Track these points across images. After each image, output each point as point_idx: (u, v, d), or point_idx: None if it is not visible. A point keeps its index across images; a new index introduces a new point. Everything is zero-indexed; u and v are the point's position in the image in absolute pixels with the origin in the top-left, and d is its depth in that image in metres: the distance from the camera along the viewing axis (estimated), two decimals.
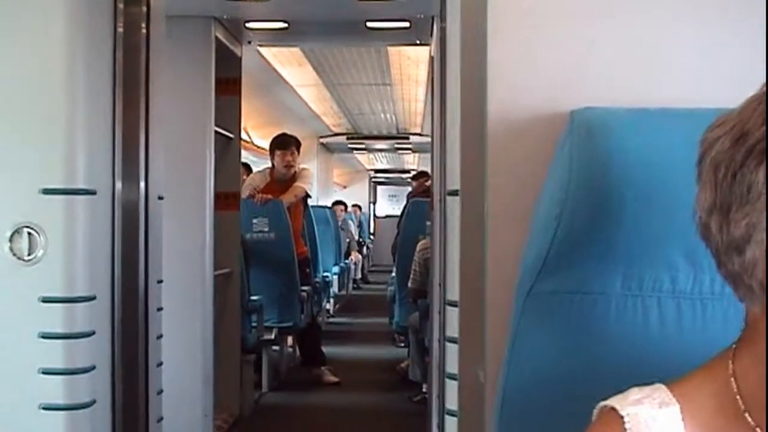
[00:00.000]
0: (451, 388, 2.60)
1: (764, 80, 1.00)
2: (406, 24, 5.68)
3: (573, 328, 1.49)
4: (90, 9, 3.24)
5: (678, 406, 1.09)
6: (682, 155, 1.11)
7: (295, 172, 7.47)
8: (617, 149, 1.42)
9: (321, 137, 15.09)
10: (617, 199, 1.41)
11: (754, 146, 0.96)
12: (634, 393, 1.12)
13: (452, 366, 2.58)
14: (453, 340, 2.52)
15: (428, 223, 5.56)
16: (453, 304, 2.58)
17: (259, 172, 7.75)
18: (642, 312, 1.47)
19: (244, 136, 7.93)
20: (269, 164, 7.59)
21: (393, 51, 8.42)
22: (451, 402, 2.57)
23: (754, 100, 0.99)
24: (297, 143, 7.49)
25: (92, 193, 3.17)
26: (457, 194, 2.28)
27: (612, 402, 1.12)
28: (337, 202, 16.02)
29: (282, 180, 7.41)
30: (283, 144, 7.43)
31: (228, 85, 6.06)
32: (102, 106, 3.33)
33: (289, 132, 7.78)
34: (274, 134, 7.76)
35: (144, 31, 3.62)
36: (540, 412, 1.53)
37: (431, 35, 5.24)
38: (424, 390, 6.53)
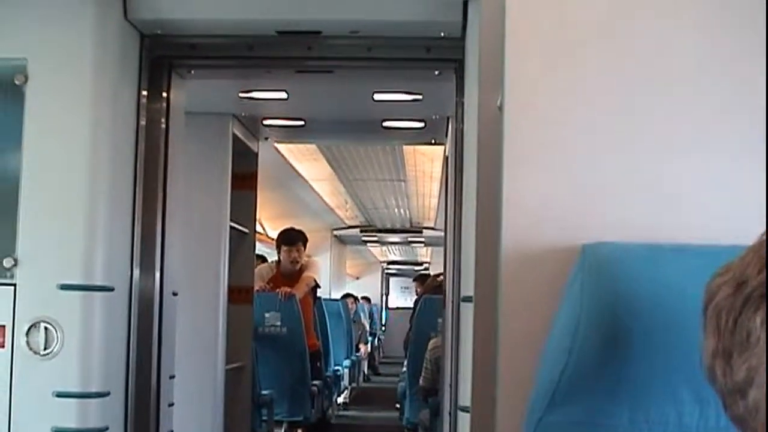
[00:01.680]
0: None
1: None
2: (422, 124, 5.74)
3: None
4: (115, 101, 3.32)
5: None
6: (692, 292, 1.14)
7: (302, 266, 7.53)
8: (627, 285, 1.46)
9: (334, 229, 15.16)
10: (625, 334, 1.44)
11: (751, 293, 1.00)
12: None
13: None
14: None
15: (440, 320, 5.55)
16: (464, 409, 2.58)
17: (267, 264, 7.82)
18: None
19: (258, 228, 7.98)
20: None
21: (408, 148, 8.51)
22: None
23: (752, 248, 1.03)
24: (304, 239, 7.58)
25: (110, 289, 3.21)
26: (470, 301, 2.30)
27: None
28: (347, 295, 16.00)
29: (288, 274, 7.48)
30: (289, 240, 7.52)
31: (244, 180, 6.09)
32: (122, 202, 3.39)
33: (302, 224, 7.86)
34: (288, 227, 7.84)
35: (163, 126, 3.69)
36: None
37: (446, 135, 5.29)
38: None
